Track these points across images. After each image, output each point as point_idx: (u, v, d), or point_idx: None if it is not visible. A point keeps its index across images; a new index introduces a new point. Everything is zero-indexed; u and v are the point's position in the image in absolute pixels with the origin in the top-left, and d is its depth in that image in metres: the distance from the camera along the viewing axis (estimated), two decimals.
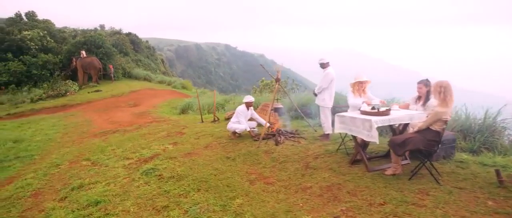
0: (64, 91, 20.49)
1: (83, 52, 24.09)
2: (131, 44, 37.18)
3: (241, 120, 6.41)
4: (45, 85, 22.76)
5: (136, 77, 26.55)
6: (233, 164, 5.10)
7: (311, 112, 8.12)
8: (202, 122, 8.88)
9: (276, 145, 5.84)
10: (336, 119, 4.67)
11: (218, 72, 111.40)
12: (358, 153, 4.52)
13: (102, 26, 50.05)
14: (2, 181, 6.04)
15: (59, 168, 6.29)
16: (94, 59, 24.18)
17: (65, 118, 13.03)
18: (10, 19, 29.56)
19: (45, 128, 11.24)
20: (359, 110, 4.57)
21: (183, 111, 12.35)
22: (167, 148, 6.44)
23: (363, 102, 4.66)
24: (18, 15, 29.93)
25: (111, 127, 10.19)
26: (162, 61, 48.49)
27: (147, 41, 45.80)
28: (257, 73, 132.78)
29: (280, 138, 6.05)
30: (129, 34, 41.08)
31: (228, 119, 8.70)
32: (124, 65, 27.87)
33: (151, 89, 20.35)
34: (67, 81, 22.40)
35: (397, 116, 4.23)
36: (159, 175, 4.92)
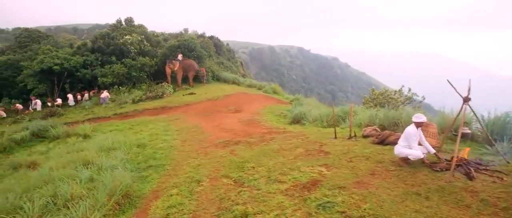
0: (161, 93, 21.33)
1: (180, 55, 25.06)
2: (213, 47, 38.16)
3: (414, 144, 5.23)
4: (144, 86, 24.10)
5: (225, 80, 26.81)
6: (433, 205, 4.03)
7: (471, 135, 6.65)
8: (336, 138, 7.90)
9: (470, 180, 4.62)
10: None
11: (290, 75, 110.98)
12: None
13: (185, 30, 52.39)
14: (147, 194, 5.79)
15: (201, 185, 5.85)
16: (194, 62, 25.03)
17: (172, 122, 13.16)
18: (112, 25, 32.15)
19: (159, 132, 11.34)
20: None
21: (296, 121, 11.47)
22: (322, 172, 5.58)
23: None
24: (118, 21, 32.36)
25: (226, 135, 9.80)
26: (241, 64, 49.17)
27: (227, 44, 46.86)
28: (330, 76, 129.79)
29: (470, 169, 4.81)
30: (212, 37, 42.31)
31: (366, 136, 7.63)
32: (213, 68, 28.48)
33: (244, 93, 20.13)
34: (163, 83, 23.34)
35: None
36: (342, 212, 4.06)
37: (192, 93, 21.21)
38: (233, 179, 5.96)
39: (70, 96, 23.89)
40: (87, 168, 7.29)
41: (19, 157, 10.96)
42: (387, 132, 7.16)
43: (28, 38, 33.15)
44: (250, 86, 24.92)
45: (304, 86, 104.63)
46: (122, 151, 8.72)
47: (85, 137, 12.86)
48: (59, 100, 23.58)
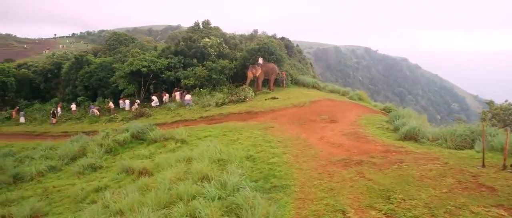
0: (243, 97, 21.27)
1: (261, 59, 24.88)
2: (285, 49, 37.52)
3: None
4: (225, 89, 24.38)
5: (304, 85, 26.09)
6: None
7: None
8: (484, 166, 6.70)
9: None
10: None
11: (356, 76, 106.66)
12: None
13: (255, 31, 52.38)
14: None
15: (348, 217, 5.19)
16: (275, 65, 24.76)
17: (268, 131, 12.69)
18: (191, 28, 33.17)
19: (261, 142, 10.86)
20: None
21: (409, 137, 10.20)
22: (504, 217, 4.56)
23: None
24: (196, 24, 33.29)
25: (338, 152, 9.04)
26: (311, 65, 47.94)
27: (297, 45, 45.91)
28: (399, 78, 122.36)
29: None
30: (282, 38, 41.65)
31: None
32: (291, 71, 27.94)
33: (331, 100, 19.16)
34: (244, 87, 23.28)
35: None
36: None
37: (274, 98, 20.80)
38: (383, 212, 5.23)
39: (154, 97, 25.06)
40: (207, 183, 7.09)
41: (126, 160, 11.37)
42: None
43: (116, 41, 35.87)
44: (332, 91, 23.82)
45: (370, 88, 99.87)
46: (235, 164, 8.42)
47: (183, 142, 13.03)
48: (137, 102, 25.12)
